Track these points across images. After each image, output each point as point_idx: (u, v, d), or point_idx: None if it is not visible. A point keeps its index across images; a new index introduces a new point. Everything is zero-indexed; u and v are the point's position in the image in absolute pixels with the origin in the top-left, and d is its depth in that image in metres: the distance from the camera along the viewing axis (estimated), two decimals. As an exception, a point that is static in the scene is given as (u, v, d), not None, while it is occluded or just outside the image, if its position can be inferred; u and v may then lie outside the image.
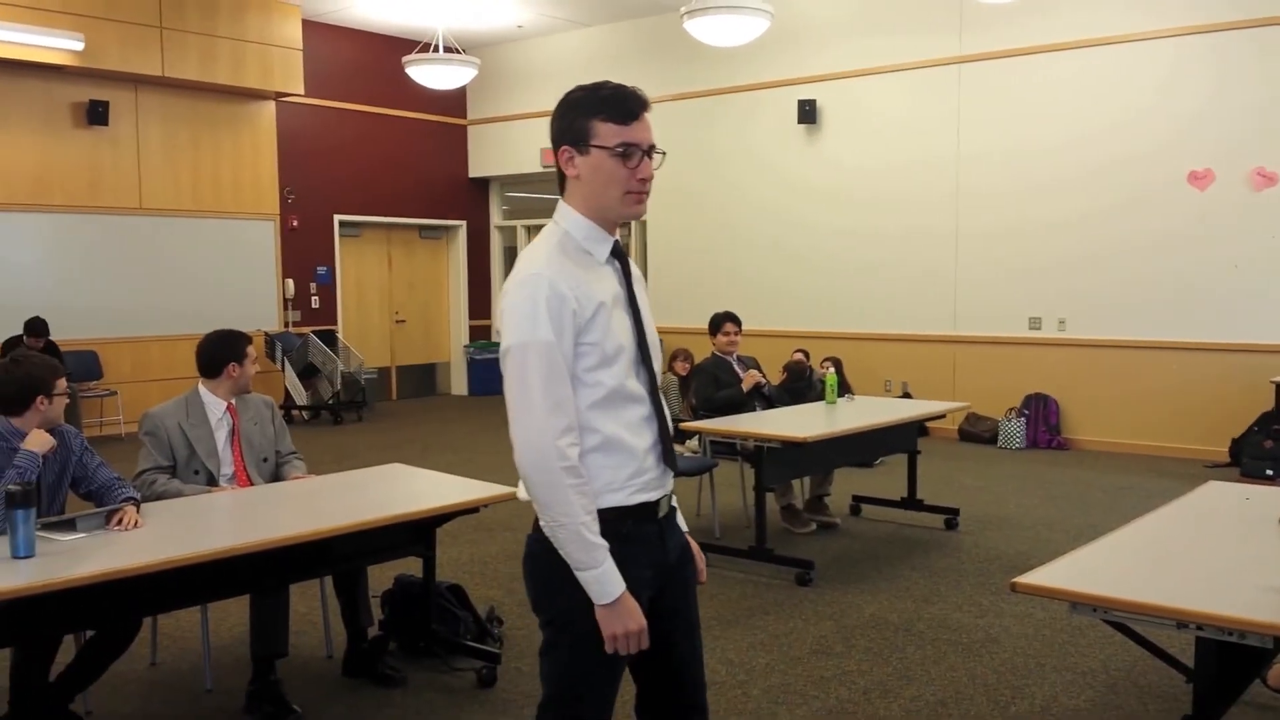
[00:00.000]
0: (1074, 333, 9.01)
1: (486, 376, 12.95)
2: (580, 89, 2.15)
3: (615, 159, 2.09)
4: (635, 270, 2.25)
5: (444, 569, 4.77)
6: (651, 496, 2.16)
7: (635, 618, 2.07)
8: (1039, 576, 2.73)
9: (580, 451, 2.05)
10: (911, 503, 6.49)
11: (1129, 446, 8.74)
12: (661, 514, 2.20)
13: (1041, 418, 9.08)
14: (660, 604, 2.20)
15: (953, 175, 9.52)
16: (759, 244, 10.74)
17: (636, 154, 2.11)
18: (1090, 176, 8.82)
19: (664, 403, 2.21)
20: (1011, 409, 9.19)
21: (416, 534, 3.95)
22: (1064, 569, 2.81)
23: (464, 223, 13.42)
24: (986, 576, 5.24)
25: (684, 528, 2.34)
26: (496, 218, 13.70)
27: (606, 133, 2.09)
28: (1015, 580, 2.70)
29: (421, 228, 13.17)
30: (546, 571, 2.12)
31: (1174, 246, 8.48)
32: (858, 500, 6.74)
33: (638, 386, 2.14)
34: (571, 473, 2.02)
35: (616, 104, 2.10)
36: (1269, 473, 7.34)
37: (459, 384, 13.49)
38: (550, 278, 2.05)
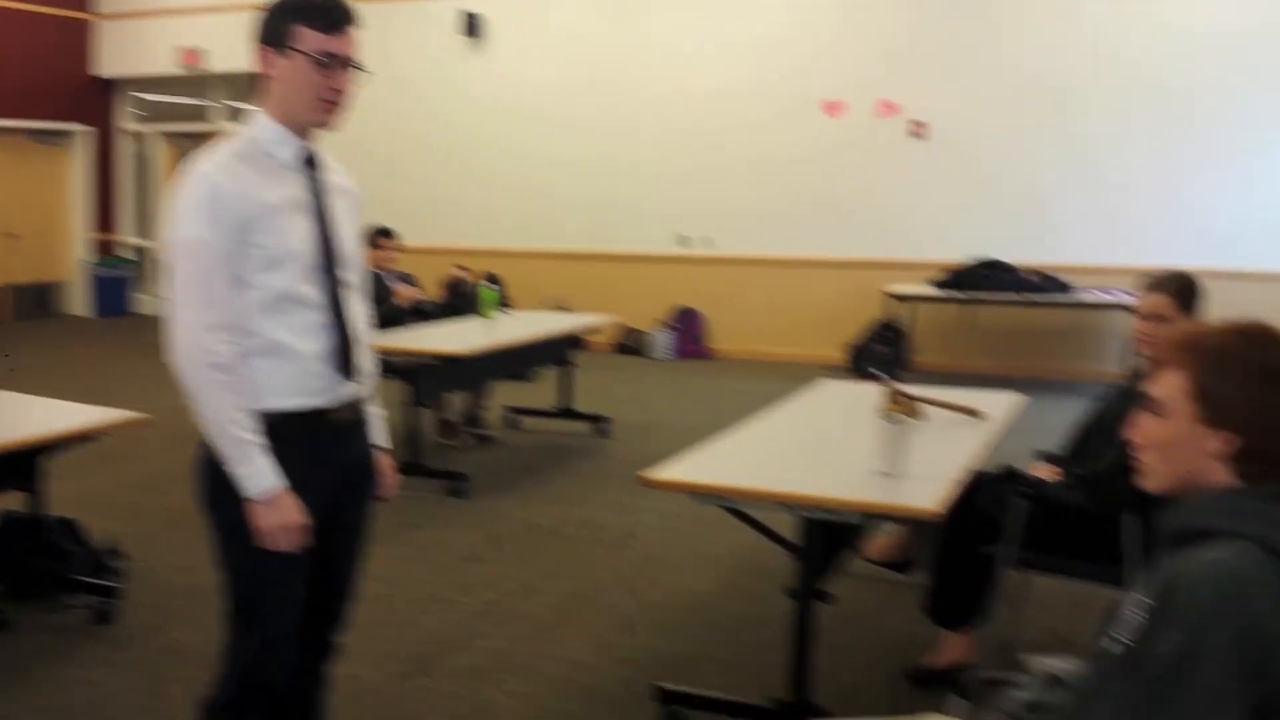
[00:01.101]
0: (718, 250, 9.54)
1: (112, 296, 11.89)
2: None
3: (312, 65, 2.08)
4: (340, 181, 2.26)
5: (62, 503, 4.37)
6: (319, 403, 2.16)
7: (291, 514, 2.08)
8: (665, 471, 2.89)
9: (244, 352, 2.07)
10: (565, 413, 6.67)
11: (766, 355, 9.43)
12: (337, 422, 2.20)
13: (689, 330, 9.58)
14: (336, 516, 2.24)
15: (608, 96, 9.71)
16: (419, 158, 10.49)
17: (334, 64, 2.09)
18: (732, 101, 9.29)
19: (349, 314, 2.20)
20: (662, 321, 9.63)
21: (17, 466, 3.58)
22: (688, 464, 2.99)
23: (87, 128, 12.13)
24: (632, 479, 5.47)
25: (380, 443, 2.38)
26: (127, 122, 12.48)
27: (307, 38, 2.07)
28: (644, 475, 2.84)
29: (34, 131, 11.76)
30: (211, 477, 2.11)
31: (808, 170, 9.14)
32: (513, 412, 6.84)
33: (312, 293, 2.12)
34: (220, 369, 2.03)
35: (322, 12, 2.09)
36: (878, 374, 8.15)
37: (81, 304, 12.28)
38: (214, 177, 2.05)
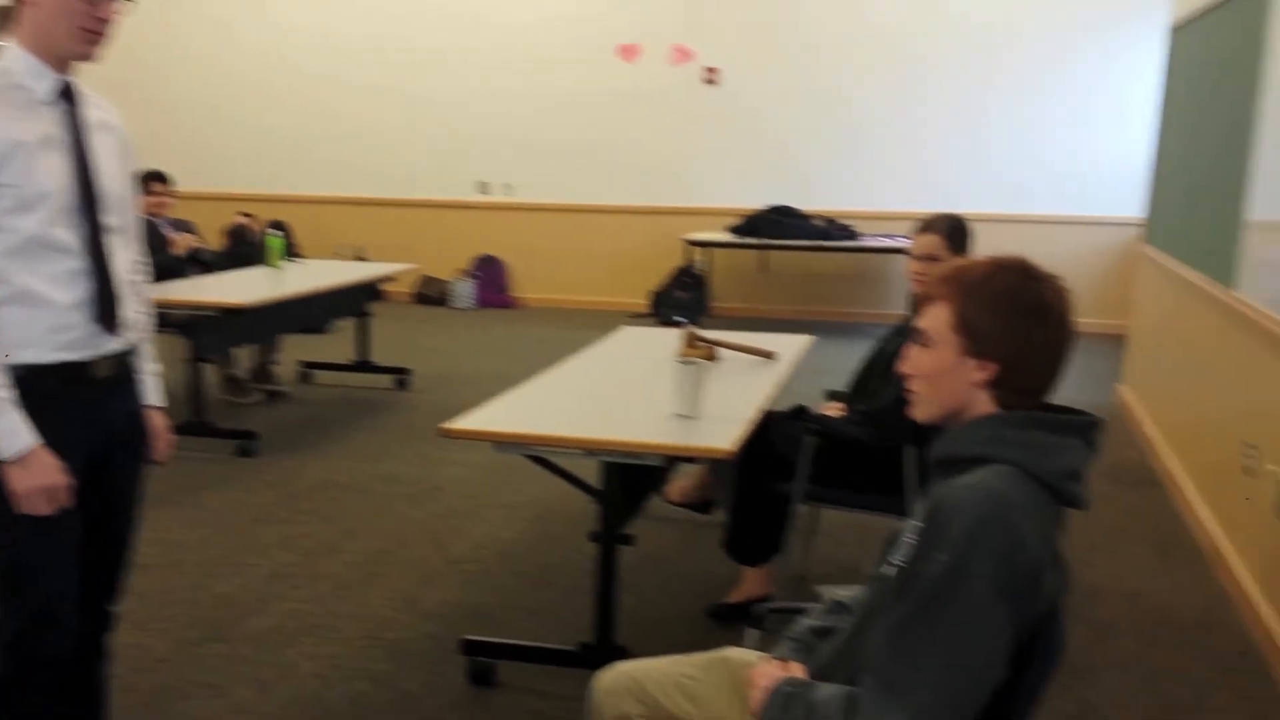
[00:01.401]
0: (519, 197, 9.44)
1: None
2: None
3: None
4: (103, 117, 2.10)
5: None
6: (78, 356, 2.02)
7: (50, 474, 1.95)
8: (465, 421, 2.85)
9: None
10: (363, 365, 6.49)
11: (569, 302, 9.44)
12: (98, 377, 2.07)
13: (491, 279, 9.47)
14: (105, 480, 2.12)
15: (401, 39, 9.38)
16: (200, 100, 9.88)
17: None
18: (528, 45, 9.15)
19: (112, 261, 2.05)
20: (463, 270, 9.48)
21: None
22: (489, 413, 2.95)
23: None
24: (435, 431, 5.39)
25: (153, 402, 2.27)
26: None
27: None
28: (444, 426, 2.79)
29: None
30: None
31: (606, 117, 9.12)
32: (307, 366, 6.60)
33: (67, 237, 1.97)
34: None
35: None
36: (680, 320, 8.31)
37: None
38: None
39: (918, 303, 1.67)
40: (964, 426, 1.59)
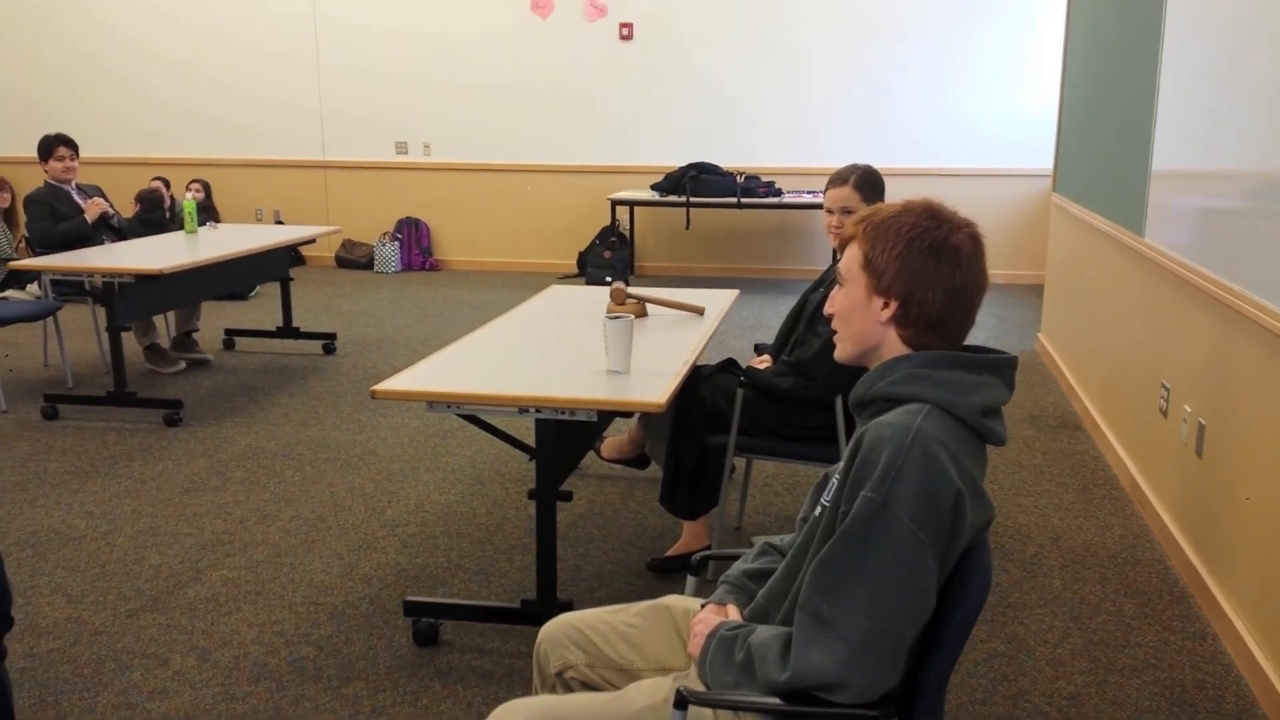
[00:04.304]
0: (439, 157, 9.31)
1: None
2: None
3: None
4: None
5: None
6: None
7: None
8: (396, 382, 2.83)
9: None
10: (288, 331, 6.39)
11: (495, 264, 9.36)
12: None
13: (414, 241, 9.35)
14: None
15: (320, 2, 9.16)
16: (109, 65, 9.53)
17: None
18: (443, 4, 8.98)
19: None
20: (385, 233, 9.34)
21: None
22: (419, 373, 2.93)
23: None
24: (365, 396, 5.36)
25: None
26: None
27: None
28: (374, 388, 2.77)
29: None
30: None
31: (523, 72, 9.01)
32: (230, 333, 6.48)
33: None
34: None
35: None
36: (608, 279, 8.31)
37: None
38: None
39: (838, 249, 1.72)
40: (880, 367, 1.64)
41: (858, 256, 1.65)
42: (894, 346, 1.64)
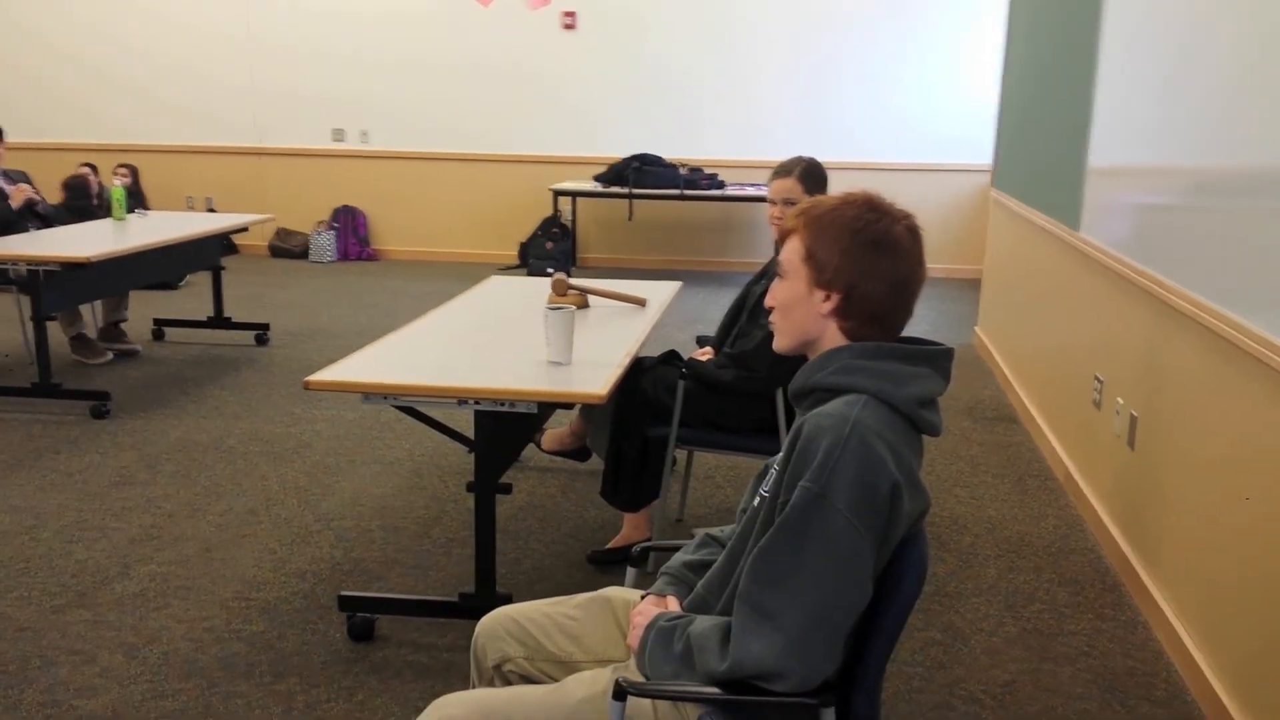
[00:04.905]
0: (377, 145, 9.18)
1: None
2: None
3: None
4: None
5: None
6: None
7: None
8: (331, 373, 2.77)
9: None
10: (219, 322, 6.26)
11: (434, 255, 9.26)
12: None
13: (351, 230, 9.21)
14: None
15: (247, -24, 8.97)
16: (34, 46, 9.25)
17: None
18: (386, -13, 8.87)
19: None
20: (321, 222, 9.19)
21: None
22: (355, 364, 2.88)
23: None
24: (298, 388, 5.26)
25: None
26: None
27: None
28: (307, 379, 2.71)
29: None
30: None
31: (464, 60, 8.91)
32: (160, 323, 6.33)
33: None
34: None
35: None
36: (550, 270, 8.26)
37: None
38: None
39: (780, 241, 1.71)
40: (818, 358, 1.64)
41: (799, 249, 1.64)
42: (834, 338, 1.63)
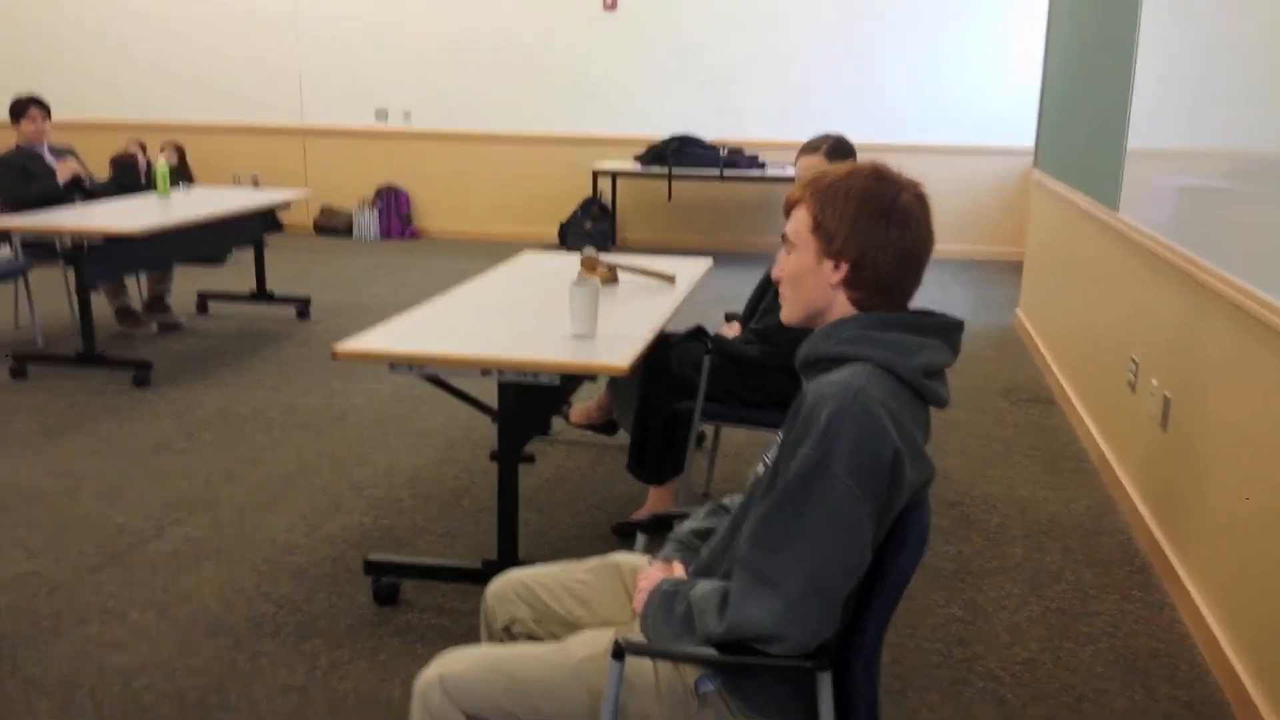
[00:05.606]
0: (419, 125, 9.24)
1: None
2: None
3: None
4: None
5: None
6: None
7: None
8: (358, 342, 2.81)
9: None
10: (262, 296, 6.35)
11: (475, 234, 9.32)
12: None
13: (394, 209, 9.29)
14: None
15: (294, -44, 9.06)
16: (88, 25, 9.42)
17: None
18: (430, -33, 8.91)
19: None
20: (364, 200, 9.28)
21: None
22: (383, 334, 2.92)
23: None
24: (337, 362, 5.33)
25: None
26: None
27: None
28: (335, 346, 2.75)
29: None
30: None
31: (506, 41, 8.94)
32: (204, 296, 6.44)
33: None
34: None
35: None
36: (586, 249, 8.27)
37: None
38: None
39: (787, 213, 1.70)
40: (826, 328, 1.63)
41: (806, 220, 1.63)
42: (842, 308, 1.63)
